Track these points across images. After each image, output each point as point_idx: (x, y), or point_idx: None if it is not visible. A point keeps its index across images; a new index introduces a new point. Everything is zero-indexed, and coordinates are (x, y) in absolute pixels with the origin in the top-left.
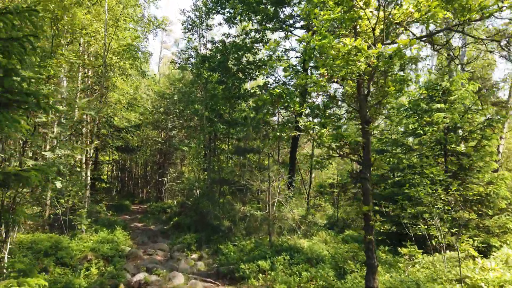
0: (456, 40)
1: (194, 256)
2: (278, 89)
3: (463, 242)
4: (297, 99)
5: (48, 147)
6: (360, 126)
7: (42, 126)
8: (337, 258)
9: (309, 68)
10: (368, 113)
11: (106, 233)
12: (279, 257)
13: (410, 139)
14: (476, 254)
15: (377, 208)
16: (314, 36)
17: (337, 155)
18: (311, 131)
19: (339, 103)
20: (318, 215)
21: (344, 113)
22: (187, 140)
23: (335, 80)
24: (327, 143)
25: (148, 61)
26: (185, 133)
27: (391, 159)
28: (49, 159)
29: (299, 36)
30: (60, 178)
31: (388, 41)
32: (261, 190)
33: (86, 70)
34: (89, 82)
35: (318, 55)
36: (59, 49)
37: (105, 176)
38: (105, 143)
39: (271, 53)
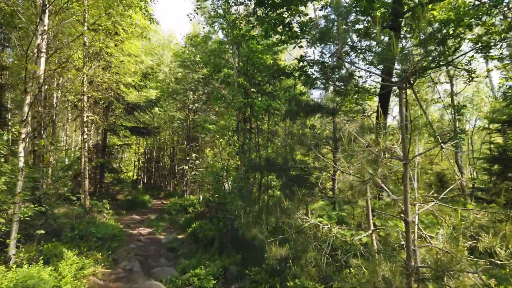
0: None
1: None
2: None
3: None
4: None
5: None
6: None
7: None
8: None
9: None
10: None
11: (38, 266)
12: None
13: None
14: None
15: None
16: None
17: None
18: None
19: None
20: None
21: None
22: (215, 117)
23: None
24: None
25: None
26: (213, 112)
27: None
28: None
29: None
30: None
31: None
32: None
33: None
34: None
35: None
36: None
37: (132, 167)
38: (113, 122)
39: None
